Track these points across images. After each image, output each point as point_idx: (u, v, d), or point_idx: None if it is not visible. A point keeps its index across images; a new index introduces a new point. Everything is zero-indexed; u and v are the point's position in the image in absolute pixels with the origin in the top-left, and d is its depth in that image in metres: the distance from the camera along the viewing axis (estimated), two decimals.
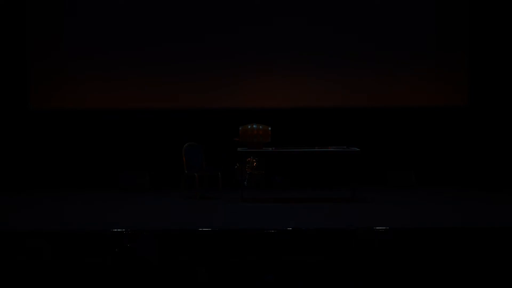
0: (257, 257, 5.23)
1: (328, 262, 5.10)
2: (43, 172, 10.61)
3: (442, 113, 10.79)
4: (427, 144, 10.73)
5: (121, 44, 10.64)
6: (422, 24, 10.70)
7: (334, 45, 10.69)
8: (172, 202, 9.17)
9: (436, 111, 10.79)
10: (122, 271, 4.87)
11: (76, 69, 10.63)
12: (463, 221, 7.76)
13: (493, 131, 10.52)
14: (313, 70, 10.70)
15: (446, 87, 10.74)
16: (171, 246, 6.62)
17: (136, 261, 5.41)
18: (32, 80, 10.59)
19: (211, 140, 10.26)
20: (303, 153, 9.48)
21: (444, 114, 10.79)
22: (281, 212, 8.27)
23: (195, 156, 9.72)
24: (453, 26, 10.69)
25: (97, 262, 5.22)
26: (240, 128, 9.40)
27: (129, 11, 10.66)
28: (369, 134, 10.63)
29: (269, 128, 9.39)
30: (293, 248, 5.60)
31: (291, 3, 10.70)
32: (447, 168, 10.70)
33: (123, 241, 6.25)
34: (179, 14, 10.68)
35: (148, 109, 10.72)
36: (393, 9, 10.71)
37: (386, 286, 4.84)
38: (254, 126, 9.40)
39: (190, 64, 10.68)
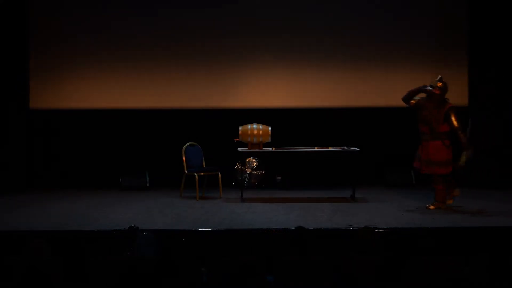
0: (257, 257, 5.23)
1: (328, 262, 5.10)
2: (43, 172, 10.63)
3: None
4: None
5: (121, 44, 10.65)
6: (423, 25, 10.71)
7: (335, 45, 10.70)
8: (172, 202, 9.17)
9: None
10: (122, 271, 4.87)
11: (76, 70, 10.64)
12: (462, 220, 7.76)
13: (491, 132, 10.51)
14: (313, 70, 10.70)
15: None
16: (171, 246, 6.62)
17: (136, 260, 5.41)
18: (32, 81, 10.59)
19: (211, 140, 10.26)
20: (303, 153, 9.48)
21: None
22: (281, 212, 8.27)
23: (195, 156, 9.72)
24: (453, 27, 10.70)
25: (97, 261, 5.21)
26: (240, 128, 9.41)
27: (128, 11, 10.67)
28: (369, 134, 10.63)
29: (269, 128, 9.40)
30: (293, 248, 5.59)
31: (291, 3, 10.71)
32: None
33: (123, 241, 6.26)
34: (178, 14, 10.68)
35: (148, 109, 10.72)
36: (393, 10, 10.72)
37: (386, 286, 4.84)
38: (254, 126, 9.41)
39: (190, 64, 10.68)
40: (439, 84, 8.40)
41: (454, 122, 8.30)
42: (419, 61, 10.69)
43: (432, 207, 8.49)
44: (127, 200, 9.34)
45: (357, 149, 9.34)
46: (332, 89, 10.76)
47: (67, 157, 10.69)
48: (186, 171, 9.55)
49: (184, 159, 9.59)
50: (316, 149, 9.43)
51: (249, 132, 9.33)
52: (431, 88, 8.38)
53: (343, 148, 9.44)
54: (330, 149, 9.43)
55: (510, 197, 9.46)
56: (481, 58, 10.47)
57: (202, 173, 9.52)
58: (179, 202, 9.18)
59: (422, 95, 8.54)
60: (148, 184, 10.44)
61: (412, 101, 8.57)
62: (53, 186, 10.44)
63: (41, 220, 7.92)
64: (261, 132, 9.34)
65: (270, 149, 9.45)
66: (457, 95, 10.68)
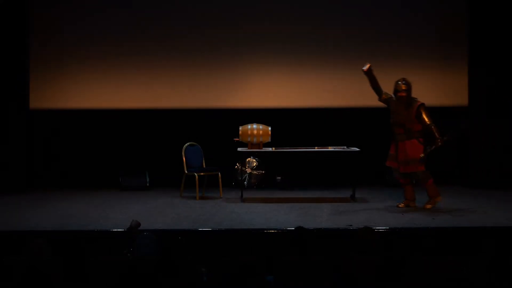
0: (257, 257, 5.23)
1: (328, 262, 5.10)
2: (43, 172, 10.63)
3: (441, 113, 10.78)
4: (426, 144, 10.71)
5: (121, 45, 10.65)
6: (423, 25, 10.70)
7: (335, 45, 10.69)
8: (172, 202, 9.17)
9: (435, 112, 10.75)
10: (122, 271, 4.87)
11: (76, 70, 10.63)
12: (462, 220, 7.76)
13: (491, 132, 10.50)
14: (313, 70, 10.69)
15: (446, 88, 10.74)
16: (171, 246, 6.62)
17: (136, 260, 5.41)
18: (32, 81, 10.58)
19: (211, 140, 10.26)
20: (303, 153, 9.48)
21: (444, 115, 10.78)
22: (281, 212, 8.27)
23: (195, 156, 9.72)
24: (453, 27, 10.70)
25: (97, 261, 5.22)
26: (240, 128, 9.40)
27: (129, 11, 10.67)
28: (369, 134, 10.62)
29: (269, 128, 9.40)
30: (293, 248, 5.60)
31: (291, 3, 10.71)
32: (446, 167, 10.70)
33: (123, 241, 6.26)
34: (178, 13, 10.68)
35: (148, 109, 10.72)
36: (393, 11, 10.72)
37: (386, 286, 4.84)
38: (254, 126, 9.41)
39: (190, 64, 10.68)
40: (403, 87, 8.51)
41: (426, 119, 8.47)
42: (419, 61, 10.68)
43: (429, 206, 8.53)
44: (127, 200, 9.34)
45: (357, 149, 9.34)
46: (332, 89, 10.75)
47: (67, 157, 10.68)
48: (186, 171, 9.55)
49: (184, 159, 9.59)
50: (316, 149, 9.43)
51: (249, 132, 9.33)
52: (365, 68, 8.53)
53: (343, 148, 9.44)
54: (330, 149, 9.42)
55: (510, 197, 9.47)
56: (481, 58, 10.45)
57: (202, 173, 9.52)
58: (179, 202, 9.18)
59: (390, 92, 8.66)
60: (148, 184, 10.44)
61: (383, 96, 8.71)
62: (53, 186, 10.43)
63: (41, 220, 7.92)
64: (261, 132, 9.34)
65: (270, 149, 9.45)
66: (457, 95, 10.72)
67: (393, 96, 8.62)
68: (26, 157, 10.50)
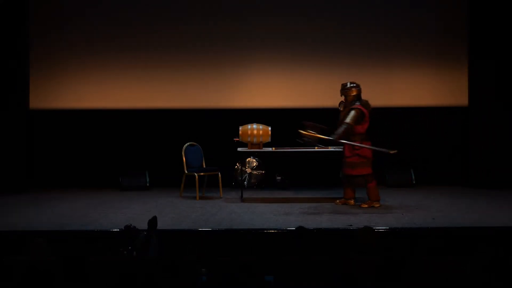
0: (257, 257, 5.23)
1: (328, 262, 5.10)
2: (43, 172, 10.61)
3: (441, 113, 10.79)
4: (426, 144, 10.73)
5: (121, 45, 10.64)
6: (423, 25, 10.69)
7: (335, 45, 10.69)
8: (172, 202, 9.17)
9: (435, 112, 10.78)
10: (122, 271, 4.87)
11: (76, 70, 10.63)
12: (462, 220, 7.76)
13: (491, 132, 10.50)
14: (313, 70, 10.69)
15: (446, 88, 10.74)
16: (171, 246, 6.62)
17: (136, 260, 5.41)
18: (32, 81, 10.57)
19: (211, 140, 10.26)
20: (303, 153, 9.48)
21: (444, 115, 10.79)
22: (281, 212, 8.27)
23: (195, 156, 9.72)
24: (453, 28, 10.69)
25: (97, 261, 5.22)
26: (240, 128, 9.40)
27: (128, 11, 10.67)
28: (369, 134, 10.59)
29: (269, 128, 9.40)
30: (293, 248, 5.60)
31: (291, 3, 10.71)
32: (447, 167, 10.70)
33: (123, 241, 6.26)
34: (178, 14, 10.68)
35: (148, 109, 10.72)
36: (394, 11, 10.72)
37: (386, 286, 4.84)
38: (254, 126, 9.41)
39: (190, 64, 10.67)
40: (347, 89, 8.71)
41: (348, 117, 8.57)
42: (419, 61, 10.69)
43: (365, 205, 8.63)
44: (127, 200, 9.34)
45: None
46: (332, 89, 10.71)
47: (67, 157, 10.67)
48: (186, 171, 9.54)
49: (184, 159, 9.59)
50: (316, 149, 9.42)
51: (249, 132, 9.33)
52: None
53: (343, 148, 9.41)
54: (330, 149, 9.42)
55: (510, 197, 9.46)
56: (481, 58, 10.45)
57: (202, 173, 9.52)
58: (179, 202, 9.18)
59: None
60: (148, 184, 10.44)
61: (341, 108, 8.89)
62: (53, 186, 10.43)
63: (41, 220, 7.92)
64: (261, 132, 9.34)
65: (270, 149, 9.45)
66: (457, 95, 10.71)
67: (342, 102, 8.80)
68: (26, 157, 10.49)
